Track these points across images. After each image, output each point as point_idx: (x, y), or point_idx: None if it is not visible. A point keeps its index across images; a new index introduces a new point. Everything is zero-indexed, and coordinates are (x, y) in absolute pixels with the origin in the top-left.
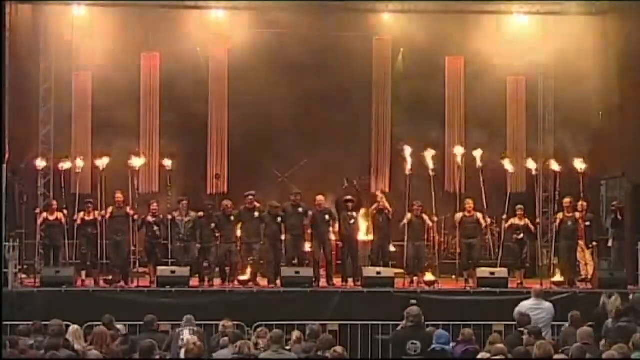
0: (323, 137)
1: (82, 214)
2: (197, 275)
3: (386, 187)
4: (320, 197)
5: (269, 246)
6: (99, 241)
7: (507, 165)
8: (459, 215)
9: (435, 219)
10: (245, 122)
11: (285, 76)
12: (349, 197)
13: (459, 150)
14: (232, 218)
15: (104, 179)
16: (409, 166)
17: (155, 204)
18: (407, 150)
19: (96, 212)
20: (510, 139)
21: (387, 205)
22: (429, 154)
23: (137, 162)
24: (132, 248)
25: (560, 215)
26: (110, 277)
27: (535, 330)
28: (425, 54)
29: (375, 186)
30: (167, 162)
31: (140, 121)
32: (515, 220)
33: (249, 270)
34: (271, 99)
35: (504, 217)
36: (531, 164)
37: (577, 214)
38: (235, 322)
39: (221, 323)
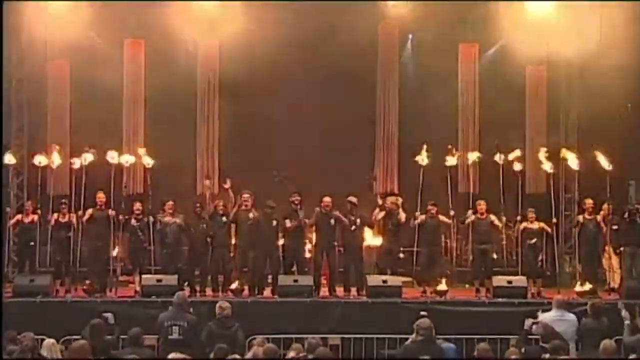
0: (325, 133)
1: (55, 215)
2: (187, 285)
3: (394, 186)
4: (327, 199)
5: (262, 252)
6: (73, 246)
7: (517, 165)
8: (470, 217)
9: (452, 213)
10: (238, 116)
11: (283, 65)
12: (351, 199)
13: (472, 146)
14: (225, 220)
15: (84, 177)
16: (423, 160)
17: (138, 205)
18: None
19: (71, 214)
20: (528, 134)
21: (401, 212)
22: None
23: (124, 158)
24: (115, 254)
25: (580, 218)
26: (89, 287)
27: (562, 346)
28: (437, 40)
29: (382, 186)
30: (149, 160)
31: (123, 114)
32: (527, 224)
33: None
34: (267, 91)
35: (518, 218)
36: (551, 162)
37: (599, 217)
38: None
39: (218, 304)
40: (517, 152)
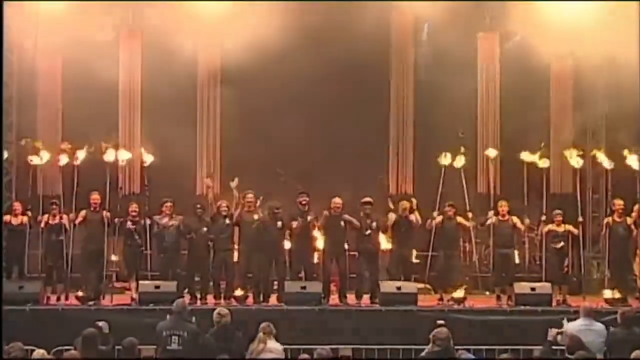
0: (335, 129)
1: (46, 217)
2: (187, 291)
3: (410, 188)
4: (337, 200)
5: (268, 256)
6: (65, 250)
7: (544, 162)
8: (490, 219)
9: (471, 214)
10: (242, 110)
11: (289, 57)
12: (366, 199)
13: (493, 144)
14: (228, 222)
15: (77, 176)
16: (446, 160)
17: (135, 206)
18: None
19: (63, 216)
20: (553, 130)
21: (417, 215)
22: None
23: (121, 155)
24: (114, 259)
25: (609, 220)
26: (82, 294)
27: (589, 358)
28: (454, 30)
29: (395, 186)
30: (146, 158)
31: (119, 109)
32: (552, 227)
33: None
34: (273, 83)
35: (543, 218)
36: (578, 161)
37: (629, 219)
38: None
39: (216, 312)
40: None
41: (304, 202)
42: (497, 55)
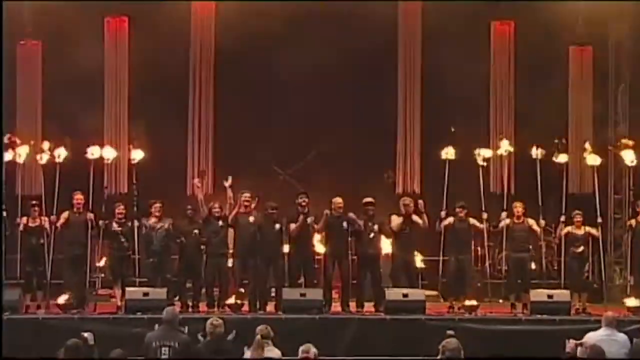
0: (337, 124)
1: (25, 219)
2: (178, 299)
3: (417, 186)
4: (338, 200)
5: (265, 261)
6: (46, 255)
7: (562, 157)
8: (504, 221)
9: (485, 216)
10: (237, 103)
11: (289, 45)
12: (369, 199)
13: (507, 140)
14: (222, 224)
15: (58, 175)
16: (448, 154)
17: (121, 208)
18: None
19: (44, 218)
20: (572, 124)
21: (423, 217)
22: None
23: (104, 153)
24: (99, 264)
25: (632, 222)
26: (64, 302)
27: None
28: (466, 17)
29: (402, 186)
30: (134, 155)
31: (105, 102)
32: (572, 229)
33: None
34: (270, 76)
35: (562, 218)
36: (595, 158)
37: None
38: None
39: (209, 321)
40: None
41: (303, 204)
42: (511, 45)
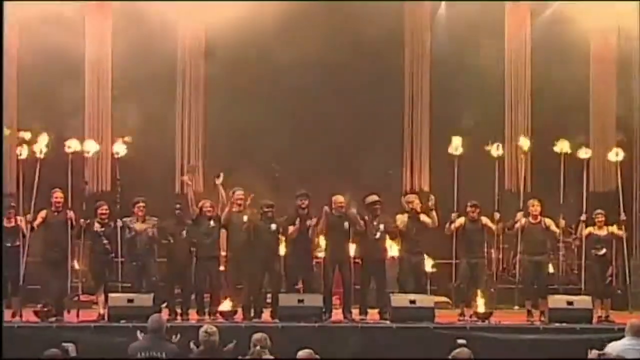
0: (339, 117)
1: None
2: (166, 306)
3: (425, 184)
4: (339, 198)
5: (260, 264)
6: (22, 258)
7: (585, 154)
8: (520, 221)
9: (498, 215)
10: (229, 93)
11: (288, 36)
12: (375, 199)
13: (523, 133)
14: (213, 224)
15: (38, 170)
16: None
17: (104, 207)
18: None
19: (20, 217)
20: (594, 117)
21: (432, 216)
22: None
23: (85, 146)
24: (79, 267)
25: None
26: (42, 309)
27: None
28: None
29: (409, 183)
30: (118, 149)
31: (85, 91)
32: (594, 230)
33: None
34: (267, 65)
35: (582, 218)
36: (618, 152)
37: None
38: None
39: (202, 329)
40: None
41: (303, 206)
42: (527, 30)
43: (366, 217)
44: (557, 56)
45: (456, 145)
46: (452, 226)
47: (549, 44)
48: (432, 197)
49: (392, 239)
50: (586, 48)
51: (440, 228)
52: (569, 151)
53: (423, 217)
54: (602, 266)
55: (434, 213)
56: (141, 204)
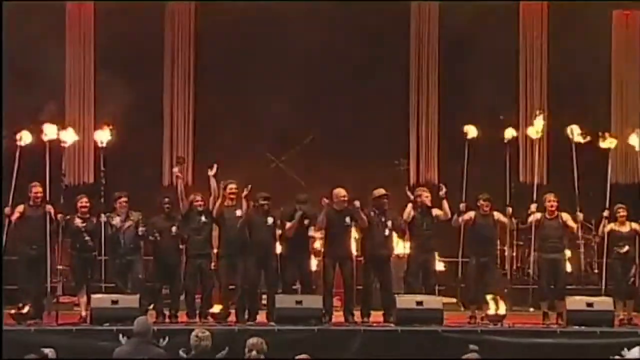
0: (338, 106)
1: None
2: (153, 307)
3: (434, 176)
4: (341, 191)
5: (255, 263)
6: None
7: (608, 143)
8: (534, 216)
9: (511, 210)
10: (222, 79)
11: (284, 17)
12: (382, 192)
13: (539, 122)
14: (204, 220)
15: (17, 162)
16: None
17: (85, 201)
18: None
19: None
20: (615, 101)
21: (445, 207)
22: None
23: (64, 135)
24: (60, 266)
25: None
26: (20, 311)
27: None
28: None
29: (416, 175)
30: (101, 137)
31: (66, 79)
32: (615, 226)
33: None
34: (262, 50)
35: (605, 214)
36: None
37: None
38: None
39: (193, 333)
40: None
41: (301, 199)
42: (543, 7)
43: (371, 213)
44: (575, 34)
45: (467, 130)
46: (461, 218)
47: (567, 20)
48: (443, 186)
49: (400, 236)
50: (607, 25)
51: (450, 222)
52: (588, 139)
53: (435, 211)
54: (624, 265)
55: (445, 203)
56: (123, 199)
